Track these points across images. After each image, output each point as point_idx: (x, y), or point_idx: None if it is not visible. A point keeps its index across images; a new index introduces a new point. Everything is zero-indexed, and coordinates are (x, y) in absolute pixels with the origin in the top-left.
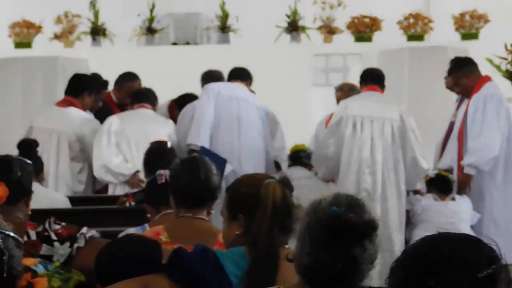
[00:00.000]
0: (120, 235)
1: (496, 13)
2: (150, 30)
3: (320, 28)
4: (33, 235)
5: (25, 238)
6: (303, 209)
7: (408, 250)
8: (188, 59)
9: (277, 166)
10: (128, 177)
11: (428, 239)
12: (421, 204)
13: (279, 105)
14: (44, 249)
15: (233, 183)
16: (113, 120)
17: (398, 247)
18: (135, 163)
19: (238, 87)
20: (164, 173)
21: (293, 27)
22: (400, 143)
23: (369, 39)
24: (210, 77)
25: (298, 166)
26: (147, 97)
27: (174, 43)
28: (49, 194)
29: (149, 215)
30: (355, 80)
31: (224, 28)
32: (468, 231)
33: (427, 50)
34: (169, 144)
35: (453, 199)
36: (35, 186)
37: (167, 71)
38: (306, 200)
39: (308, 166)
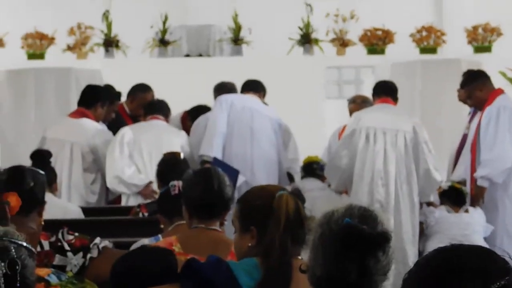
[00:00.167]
0: (134, 246)
1: (509, 26)
2: (163, 42)
3: (333, 40)
4: (46, 245)
5: (38, 248)
6: (316, 221)
7: (421, 261)
8: (201, 71)
9: (290, 177)
10: (141, 188)
11: (441, 250)
12: (435, 216)
13: (292, 117)
14: (57, 259)
15: (245, 195)
16: (126, 131)
17: (412, 258)
18: (148, 174)
19: (251, 99)
20: (177, 184)
21: (306, 40)
22: (413, 155)
23: (382, 51)
24: (222, 88)
25: (312, 177)
26: (160, 109)
27: (187, 55)
28: (62, 205)
29: (162, 226)
30: (368, 92)
31: (237, 40)
32: (481, 243)
33: (440, 63)
34: (182, 155)
35: (467, 211)
36: (48, 196)
37: (180, 83)
38: (319, 211)
39: (322, 178)
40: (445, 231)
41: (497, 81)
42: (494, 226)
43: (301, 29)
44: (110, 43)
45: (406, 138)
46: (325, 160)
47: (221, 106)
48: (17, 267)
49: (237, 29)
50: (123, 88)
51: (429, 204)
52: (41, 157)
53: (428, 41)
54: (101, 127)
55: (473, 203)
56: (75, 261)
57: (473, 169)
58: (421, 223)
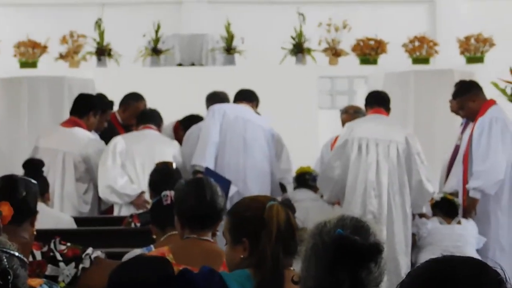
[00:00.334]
0: (126, 256)
1: (501, 37)
2: (155, 51)
3: (325, 50)
4: (38, 255)
5: (30, 258)
6: (308, 231)
7: (413, 272)
8: (193, 80)
9: (283, 188)
10: (134, 198)
11: (433, 262)
12: (427, 228)
13: (284, 126)
14: (49, 269)
15: (235, 207)
16: (118, 141)
17: (404, 270)
18: (141, 184)
19: (243, 109)
20: (169, 194)
21: (299, 49)
22: (405, 166)
23: (374, 61)
24: (215, 98)
25: (304, 188)
26: (152, 118)
27: (180, 64)
28: (55, 215)
29: (154, 236)
30: (360, 102)
31: (229, 49)
32: (473, 254)
33: (433, 73)
34: (174, 165)
35: (459, 222)
36: (41, 206)
37: (172, 92)
38: (312, 222)
39: (314, 189)
40: (437, 242)
41: (490, 92)
42: (486, 238)
43: (293, 38)
44: (103, 52)
45: (398, 149)
46: (317, 170)
47: (213, 116)
48: (9, 277)
49: (230, 38)
50: (116, 97)
51: (422, 215)
52: (33, 166)
53: (420, 51)
54: (93, 136)
55: (466, 215)
56: (67, 271)
57: (465, 181)
58: (413, 235)
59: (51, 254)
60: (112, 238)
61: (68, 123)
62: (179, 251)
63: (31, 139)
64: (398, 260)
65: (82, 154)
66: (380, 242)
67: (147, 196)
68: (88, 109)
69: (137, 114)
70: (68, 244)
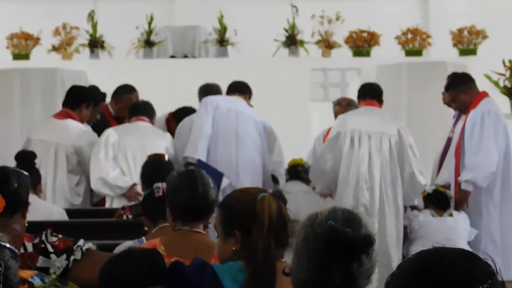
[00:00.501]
0: (118, 248)
1: (494, 29)
2: (148, 43)
3: (318, 42)
4: (29, 247)
5: (22, 250)
6: (300, 223)
7: (404, 264)
8: (186, 72)
9: (275, 180)
10: (125, 190)
11: (424, 253)
12: (419, 220)
13: (277, 119)
14: (41, 261)
15: (226, 199)
16: (111, 133)
17: (396, 262)
18: (133, 176)
19: (236, 101)
20: (161, 186)
21: (292, 41)
22: (398, 158)
23: (367, 54)
24: (207, 90)
25: (296, 180)
26: (144, 110)
27: (172, 56)
28: (46, 206)
29: (146, 228)
30: (353, 94)
31: (222, 41)
32: (465, 247)
33: (426, 65)
34: (166, 157)
35: (451, 215)
36: (32, 198)
37: (165, 84)
38: (304, 214)
39: (306, 181)
40: (429, 235)
41: (482, 84)
42: (478, 230)
43: (286, 30)
44: (96, 44)
45: (391, 141)
46: (310, 163)
47: (206, 108)
48: (0, 269)
49: (223, 30)
50: (108, 89)
51: (413, 208)
52: (25, 158)
53: (413, 43)
54: (86, 128)
55: (458, 207)
56: (58, 263)
57: (457, 173)
58: (405, 227)
59: (43, 246)
60: (103, 230)
61: (60, 115)
62: (170, 243)
63: (23, 131)
64: (390, 253)
65: (74, 146)
66: (372, 234)
67: (139, 188)
68: (81, 101)
69: (129, 106)
70: (60, 236)
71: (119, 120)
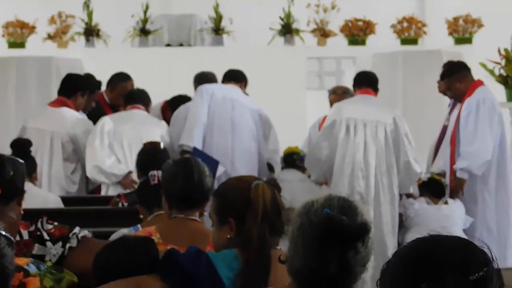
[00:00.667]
0: (113, 235)
1: (489, 17)
2: (143, 31)
3: (314, 31)
4: (25, 234)
5: (18, 238)
6: (296, 211)
7: (399, 252)
8: (181, 61)
9: (270, 168)
10: (121, 178)
11: (419, 241)
12: (414, 208)
13: (273, 107)
14: (37, 248)
15: (221, 187)
16: (106, 121)
17: (391, 250)
18: (128, 164)
19: (232, 89)
20: (156, 174)
21: (287, 30)
22: (393, 147)
23: (363, 42)
24: (203, 78)
25: (292, 168)
26: (140, 98)
27: (168, 45)
28: (42, 194)
29: (141, 216)
30: (349, 83)
31: (217, 30)
32: (460, 235)
33: (421, 54)
34: (162, 145)
35: (446, 203)
36: (28, 186)
37: (160, 73)
38: (299, 202)
39: (302, 169)
40: (424, 222)
41: (478, 73)
42: (473, 218)
43: (282, 19)
44: (91, 32)
45: (386, 130)
46: (305, 151)
47: (201, 96)
48: None
49: (218, 18)
50: (104, 77)
51: (409, 195)
52: (21, 146)
53: (409, 32)
54: (81, 116)
55: (453, 195)
56: (54, 250)
57: (452, 161)
58: (400, 215)
59: (38, 233)
60: (99, 218)
61: (56, 103)
62: (166, 230)
63: (19, 119)
64: (385, 241)
65: (70, 134)
66: (368, 222)
67: (134, 176)
68: (76, 89)
69: (124, 94)
70: (55, 223)
71: (114, 108)
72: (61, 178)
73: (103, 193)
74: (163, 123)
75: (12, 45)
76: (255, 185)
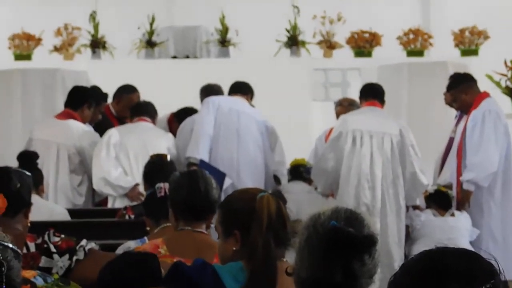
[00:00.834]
0: (120, 248)
1: (496, 29)
2: (150, 43)
3: (320, 42)
4: (32, 247)
5: (24, 250)
6: (302, 223)
7: (407, 264)
8: (187, 73)
9: (277, 180)
10: (128, 190)
11: (426, 253)
12: (421, 220)
13: (279, 119)
14: (43, 261)
15: (227, 199)
16: (113, 133)
17: (398, 262)
18: (135, 176)
19: (238, 101)
20: (163, 186)
21: (293, 42)
22: (399, 158)
23: (369, 54)
24: (209, 90)
25: (298, 180)
26: (146, 110)
27: (174, 57)
28: (49, 206)
29: (148, 228)
30: (354, 95)
31: (224, 41)
32: (467, 246)
33: (427, 65)
34: (168, 157)
35: (453, 214)
36: (35, 198)
37: (166, 85)
38: (306, 214)
39: (308, 181)
40: (430, 234)
41: (484, 85)
42: (479, 230)
43: (288, 31)
44: (97, 44)
45: (392, 141)
46: (311, 163)
47: (208, 108)
48: (3, 269)
49: (224, 30)
50: (110, 89)
51: (415, 207)
52: (27, 158)
53: (415, 44)
54: (87, 128)
55: (459, 207)
56: (61, 263)
57: (459, 173)
58: (407, 227)
59: (45, 246)
60: (106, 230)
61: (62, 115)
62: (173, 243)
63: (24, 131)
64: (392, 252)
65: (76, 146)
66: (374, 234)
67: (141, 188)
68: (83, 101)
69: (130, 106)
70: (62, 236)
71: (120, 120)
72: (67, 190)
73: (109, 205)
74: (170, 135)
75: (18, 57)
76: (260, 197)
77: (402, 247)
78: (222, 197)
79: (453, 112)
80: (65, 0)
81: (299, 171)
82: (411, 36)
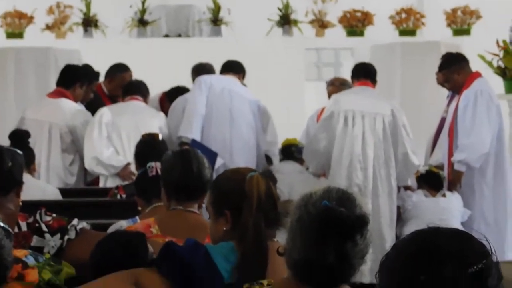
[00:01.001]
0: (111, 227)
1: (488, 9)
2: (142, 22)
3: (312, 22)
4: (24, 226)
5: (16, 229)
6: (294, 203)
7: (398, 244)
8: (179, 52)
9: (269, 160)
10: (119, 169)
11: (418, 233)
12: (412, 200)
13: (271, 98)
14: (35, 240)
15: (217, 179)
16: (104, 112)
17: (389, 243)
18: (126, 155)
19: (230, 80)
20: (155, 166)
21: (285, 21)
22: (391, 138)
23: (361, 33)
24: (201, 70)
25: (290, 160)
26: (138, 89)
27: (166, 35)
28: (40, 186)
29: (140, 208)
30: (347, 74)
31: (216, 20)
32: (458, 227)
33: (420, 45)
34: (160, 137)
35: (444, 195)
36: (26, 177)
37: (158, 64)
38: (298, 194)
39: (300, 161)
40: (422, 215)
41: (476, 64)
42: (471, 211)
43: (280, 10)
44: (89, 23)
45: (384, 121)
46: (303, 142)
47: (200, 88)
48: None
49: (216, 9)
50: (102, 68)
51: (407, 188)
52: (19, 137)
53: (407, 23)
54: (80, 107)
55: (451, 188)
56: (52, 242)
57: (450, 154)
58: (398, 207)
59: (37, 225)
60: (97, 210)
61: (54, 94)
62: (164, 222)
63: (17, 110)
64: (383, 233)
65: (68, 125)
66: (366, 214)
67: (133, 167)
68: (75, 80)
69: (122, 85)
70: (54, 215)
71: (112, 99)
72: (59, 170)
73: (101, 184)
74: (161, 114)
75: (10, 35)
76: (250, 176)
77: (394, 228)
78: (214, 177)
79: (445, 92)
80: None
81: (290, 151)
82: (403, 15)
